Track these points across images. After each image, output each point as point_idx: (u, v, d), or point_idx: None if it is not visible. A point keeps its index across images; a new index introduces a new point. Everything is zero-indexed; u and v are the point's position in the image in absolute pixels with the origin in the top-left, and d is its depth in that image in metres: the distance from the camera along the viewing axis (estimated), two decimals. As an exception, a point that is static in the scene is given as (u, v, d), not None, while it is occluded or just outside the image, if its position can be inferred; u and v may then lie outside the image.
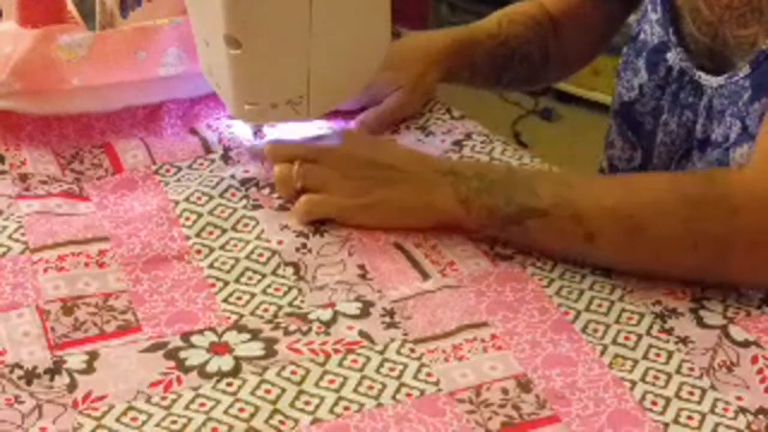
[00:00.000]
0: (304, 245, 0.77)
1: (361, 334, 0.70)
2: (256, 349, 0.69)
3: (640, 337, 0.71)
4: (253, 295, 0.73)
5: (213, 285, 0.74)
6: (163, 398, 0.65)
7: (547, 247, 0.76)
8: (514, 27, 1.01)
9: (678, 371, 0.69)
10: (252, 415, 0.64)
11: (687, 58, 0.89)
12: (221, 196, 0.82)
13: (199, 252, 0.77)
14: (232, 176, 0.84)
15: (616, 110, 0.98)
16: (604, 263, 0.75)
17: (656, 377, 0.68)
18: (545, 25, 1.03)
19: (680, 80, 0.90)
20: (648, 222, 0.73)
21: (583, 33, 1.03)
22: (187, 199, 0.81)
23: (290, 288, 0.74)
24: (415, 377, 0.67)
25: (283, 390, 0.66)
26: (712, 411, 0.66)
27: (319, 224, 0.79)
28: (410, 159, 0.80)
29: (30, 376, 0.66)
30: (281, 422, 0.64)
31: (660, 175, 0.79)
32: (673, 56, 0.90)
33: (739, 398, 0.67)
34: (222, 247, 0.77)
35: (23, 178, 0.84)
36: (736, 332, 0.72)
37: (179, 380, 0.66)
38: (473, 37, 0.99)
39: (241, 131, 0.90)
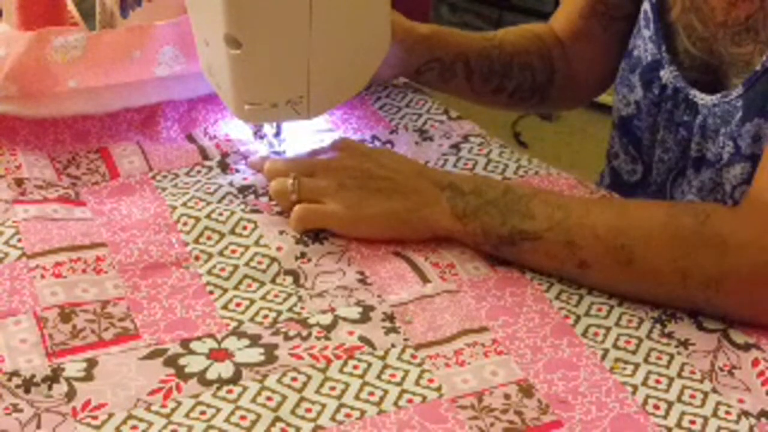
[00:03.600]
0: (303, 254, 0.77)
1: (362, 339, 0.70)
2: (255, 355, 0.68)
3: (640, 340, 0.71)
4: (252, 302, 0.73)
5: (212, 292, 0.74)
6: (163, 406, 0.64)
7: (539, 268, 0.76)
8: (511, 36, 1.00)
9: (679, 375, 0.69)
10: (253, 423, 0.64)
11: (680, 77, 0.89)
12: (219, 201, 0.82)
13: (197, 258, 0.76)
14: (230, 183, 0.84)
15: (616, 124, 0.98)
16: (597, 289, 0.75)
17: (658, 381, 0.68)
18: (549, 41, 1.02)
19: (675, 98, 0.89)
20: (639, 254, 0.73)
21: (594, 54, 1.02)
22: (184, 204, 0.81)
23: (290, 295, 0.74)
24: (416, 383, 0.67)
25: (284, 397, 0.65)
26: (715, 414, 0.66)
27: (317, 235, 0.79)
28: (408, 171, 0.79)
29: (28, 385, 0.65)
30: (283, 430, 0.63)
31: (657, 206, 0.77)
32: (666, 74, 0.89)
33: (741, 401, 0.67)
34: (221, 253, 0.77)
35: (19, 182, 0.83)
36: (737, 335, 0.72)
37: (179, 388, 0.66)
38: (464, 33, 0.98)
39: (240, 132, 0.90)
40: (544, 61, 1.01)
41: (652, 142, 0.93)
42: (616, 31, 0.99)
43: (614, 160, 0.99)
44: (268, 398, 0.65)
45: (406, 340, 0.70)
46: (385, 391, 0.66)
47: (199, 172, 0.86)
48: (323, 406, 0.65)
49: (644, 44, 0.91)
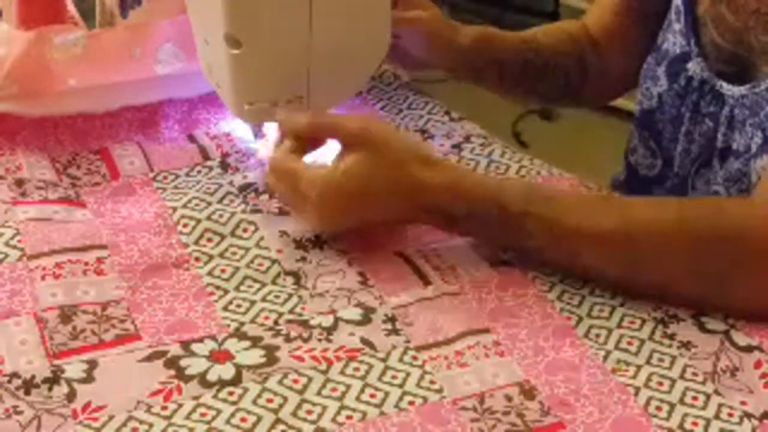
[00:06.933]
0: (304, 258, 0.77)
1: (363, 341, 0.70)
2: (256, 356, 0.68)
3: (642, 342, 0.71)
4: (253, 303, 0.73)
5: (212, 293, 0.73)
6: (164, 408, 0.64)
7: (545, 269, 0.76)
8: (549, 39, 1.01)
9: (681, 376, 0.68)
10: (254, 425, 0.63)
11: (708, 68, 0.89)
12: (219, 202, 0.82)
13: (198, 260, 0.76)
14: (231, 183, 0.84)
15: (637, 118, 0.98)
16: (604, 289, 0.75)
17: (660, 383, 0.68)
18: (582, 42, 1.03)
19: (701, 90, 0.89)
20: (650, 251, 0.72)
21: (623, 51, 1.02)
22: (185, 206, 0.81)
23: (290, 296, 0.74)
24: (417, 385, 0.67)
25: (285, 399, 0.65)
26: (717, 416, 0.66)
27: (318, 237, 0.79)
28: (399, 204, 0.75)
29: (28, 386, 0.65)
30: (283, 432, 0.63)
31: (665, 202, 0.77)
32: (693, 66, 0.89)
33: (743, 403, 0.67)
34: (221, 255, 0.77)
35: (19, 183, 0.83)
36: (739, 337, 0.71)
37: (179, 389, 0.66)
38: (503, 36, 0.99)
39: (240, 132, 0.90)
40: (578, 64, 1.02)
41: (674, 135, 0.93)
42: (647, 27, 0.99)
43: (632, 156, 0.99)
44: (269, 400, 0.65)
45: (407, 341, 0.70)
46: (387, 393, 0.66)
47: (199, 172, 0.86)
48: (324, 407, 0.65)
49: (674, 37, 0.92)
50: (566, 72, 1.01)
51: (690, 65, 0.90)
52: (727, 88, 0.87)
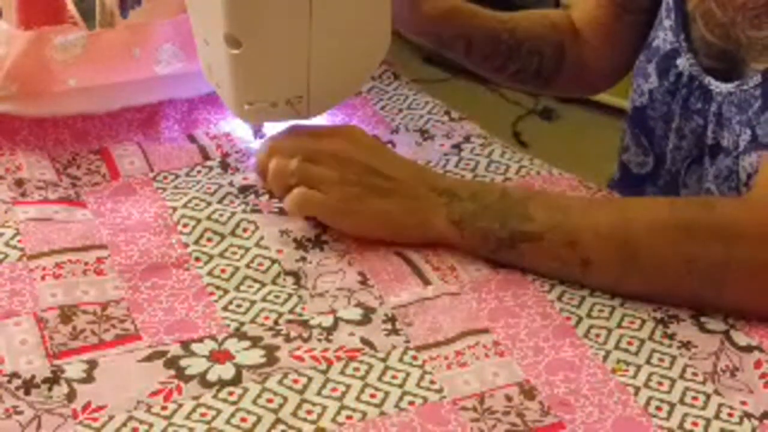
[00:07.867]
0: (304, 258, 0.77)
1: (363, 341, 0.70)
2: (256, 356, 0.68)
3: (642, 342, 0.71)
4: (253, 303, 0.73)
5: (212, 293, 0.73)
6: (164, 408, 0.64)
7: (541, 271, 0.75)
8: (528, 22, 1.01)
9: (681, 376, 0.68)
10: (254, 425, 0.63)
11: (697, 64, 0.89)
12: (219, 202, 0.82)
13: (198, 260, 0.76)
14: (231, 183, 0.84)
15: (629, 116, 0.98)
16: (600, 288, 0.74)
17: (660, 383, 0.68)
18: (564, 30, 1.03)
19: (690, 86, 0.89)
20: (643, 249, 0.72)
21: (605, 45, 1.02)
22: (185, 206, 0.81)
23: (290, 296, 0.74)
24: (417, 385, 0.67)
25: (285, 399, 0.65)
26: (717, 416, 0.66)
27: (318, 237, 0.79)
28: (409, 172, 0.78)
29: (28, 386, 0.65)
30: (283, 432, 0.63)
31: (658, 201, 0.78)
32: (683, 62, 0.90)
33: (743, 403, 0.67)
34: (221, 255, 0.77)
35: (19, 183, 0.83)
36: (739, 337, 0.71)
37: (179, 389, 0.66)
38: (475, 12, 0.98)
39: (240, 132, 0.90)
40: (554, 49, 1.02)
41: (665, 131, 0.93)
42: (631, 24, 0.99)
43: (624, 154, 0.99)
44: (269, 400, 0.65)
45: (407, 341, 0.70)
46: (387, 393, 0.66)
47: (199, 172, 0.86)
48: (324, 407, 0.65)
49: (664, 34, 0.92)
50: (541, 57, 1.01)
51: (679, 61, 0.90)
52: (714, 84, 0.87)
